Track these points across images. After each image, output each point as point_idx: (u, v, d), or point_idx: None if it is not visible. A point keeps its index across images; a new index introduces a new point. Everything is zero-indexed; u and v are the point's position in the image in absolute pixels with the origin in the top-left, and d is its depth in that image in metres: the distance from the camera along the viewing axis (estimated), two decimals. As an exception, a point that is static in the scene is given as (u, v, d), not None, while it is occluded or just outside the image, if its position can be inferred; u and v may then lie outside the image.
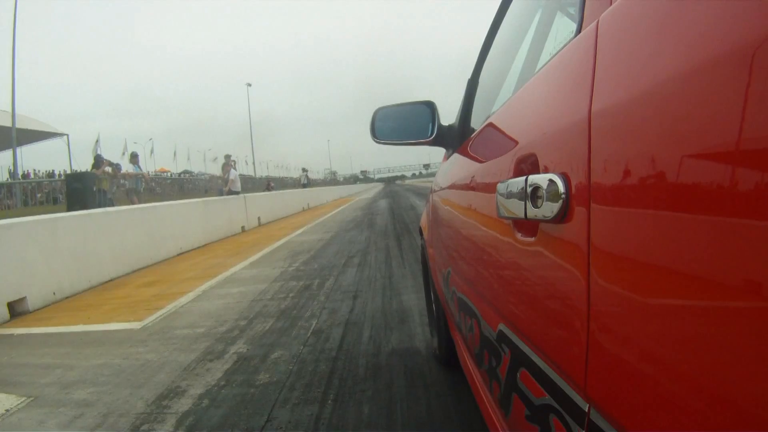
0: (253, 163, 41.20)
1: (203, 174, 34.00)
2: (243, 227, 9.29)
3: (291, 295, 3.37)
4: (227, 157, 11.31)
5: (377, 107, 1.40)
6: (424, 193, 18.64)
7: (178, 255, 6.26)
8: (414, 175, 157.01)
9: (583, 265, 0.41)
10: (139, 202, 8.03)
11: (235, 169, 11.52)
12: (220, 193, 10.24)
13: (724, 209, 0.26)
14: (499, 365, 0.70)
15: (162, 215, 6.28)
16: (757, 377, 0.24)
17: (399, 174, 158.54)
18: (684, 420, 0.29)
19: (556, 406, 0.47)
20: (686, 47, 0.30)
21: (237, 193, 9.96)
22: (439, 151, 1.61)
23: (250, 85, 36.05)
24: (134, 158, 9.78)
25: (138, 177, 9.68)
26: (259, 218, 10.47)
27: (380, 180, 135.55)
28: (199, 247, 6.92)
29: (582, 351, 0.41)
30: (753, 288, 0.24)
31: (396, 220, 8.77)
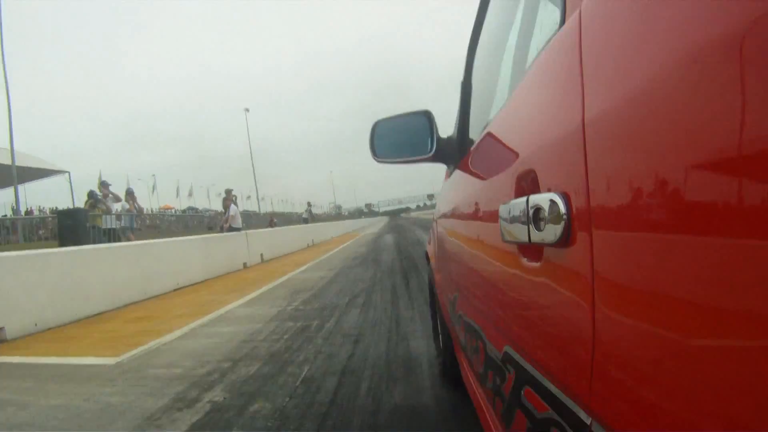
0: (257, 198, 41.17)
1: (208, 210, 34.10)
2: (245, 264, 9.04)
3: (285, 336, 3.06)
4: (228, 191, 11.19)
5: (375, 120, 1.34)
6: (429, 226, 18.26)
7: (175, 290, 6.01)
8: (418, 206, 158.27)
9: (587, 291, 0.39)
10: (135, 239, 7.85)
11: (236, 204, 11.39)
12: (221, 230, 10.03)
13: (728, 225, 0.23)
14: (503, 384, 0.69)
15: (158, 252, 6.13)
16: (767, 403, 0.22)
17: (403, 207, 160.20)
18: None
19: (560, 421, 0.46)
20: (676, 36, 0.27)
21: (238, 229, 9.76)
22: (441, 178, 1.57)
23: (248, 110, 34.24)
24: (129, 195, 9.68)
25: (131, 215, 9.54)
26: (261, 255, 10.24)
27: (385, 213, 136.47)
28: (197, 283, 6.66)
29: (586, 374, 0.39)
30: (763, 314, 0.22)
31: (402, 256, 8.48)
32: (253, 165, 34.20)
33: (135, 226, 9.62)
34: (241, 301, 4.77)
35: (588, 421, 0.39)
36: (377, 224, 45.60)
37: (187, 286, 6.39)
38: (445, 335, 1.60)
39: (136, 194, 10.01)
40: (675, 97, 0.26)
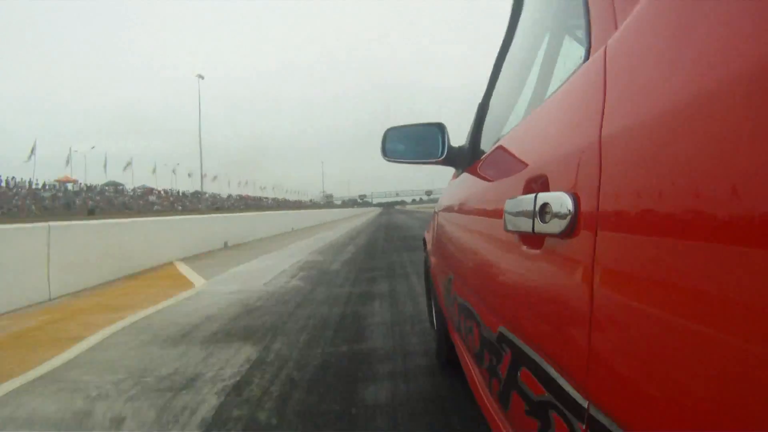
0: (200, 176, 37.05)
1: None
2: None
3: None
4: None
5: (388, 127, 1.40)
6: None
7: None
8: (414, 201, 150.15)
9: (587, 276, 0.41)
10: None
11: None
12: None
13: (729, 234, 0.26)
14: (499, 364, 0.71)
15: None
16: (753, 379, 0.24)
17: (399, 199, 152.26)
18: (684, 419, 0.29)
19: (556, 403, 0.48)
20: (692, 73, 0.30)
21: None
22: (443, 178, 2.02)
23: (202, 77, 36.31)
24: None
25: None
26: None
27: (379, 204, 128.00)
28: None
29: (583, 357, 0.41)
30: (752, 313, 0.24)
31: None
32: (200, 134, 31.41)
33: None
34: None
35: (585, 404, 0.40)
36: (365, 215, 35.23)
37: None
38: (441, 323, 1.68)
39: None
40: (685, 124, 0.29)
